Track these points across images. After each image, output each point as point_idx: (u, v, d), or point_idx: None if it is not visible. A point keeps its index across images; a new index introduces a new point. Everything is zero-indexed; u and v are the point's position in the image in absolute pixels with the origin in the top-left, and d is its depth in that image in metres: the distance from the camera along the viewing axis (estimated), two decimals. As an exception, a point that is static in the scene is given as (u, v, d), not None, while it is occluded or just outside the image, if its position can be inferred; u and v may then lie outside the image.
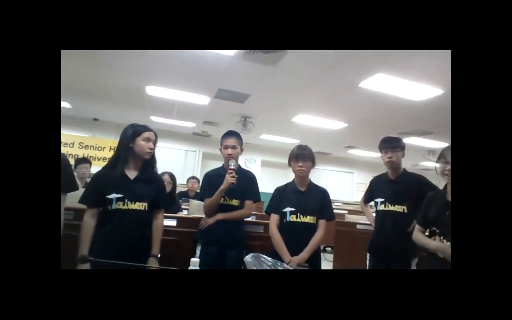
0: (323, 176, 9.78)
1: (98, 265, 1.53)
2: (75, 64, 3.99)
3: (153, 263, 1.72)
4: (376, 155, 9.14)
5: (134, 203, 1.71)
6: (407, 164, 10.66)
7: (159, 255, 1.77)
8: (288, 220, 2.02)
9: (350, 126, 5.90)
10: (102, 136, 7.51)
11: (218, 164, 2.38)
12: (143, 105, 5.68)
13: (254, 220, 2.68)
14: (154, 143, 1.80)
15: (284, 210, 2.04)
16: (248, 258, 1.50)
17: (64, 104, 6.33)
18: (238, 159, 2.22)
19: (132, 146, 1.74)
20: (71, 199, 1.77)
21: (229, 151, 2.16)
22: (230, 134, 2.23)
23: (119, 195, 1.68)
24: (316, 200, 2.05)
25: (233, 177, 2.05)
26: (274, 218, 2.07)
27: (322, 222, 2.03)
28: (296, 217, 2.01)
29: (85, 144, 7.09)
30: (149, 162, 1.81)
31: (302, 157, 2.06)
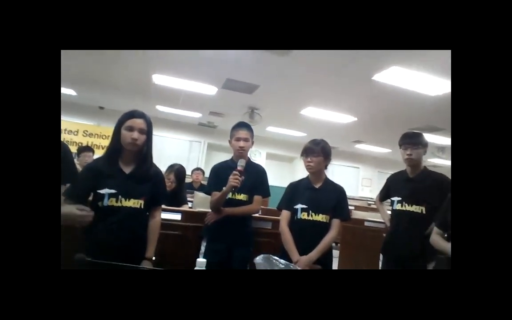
0: (329, 170, 9.62)
1: (94, 265, 1.42)
2: (81, 53, 3.88)
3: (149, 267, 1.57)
4: (383, 150, 9.04)
5: (129, 200, 1.55)
6: (415, 160, 10.56)
7: (153, 258, 1.61)
8: (299, 217, 1.92)
9: (360, 120, 5.75)
10: (108, 125, 7.43)
11: (223, 155, 2.28)
12: (149, 93, 5.58)
13: (261, 215, 2.57)
14: (147, 132, 1.58)
15: (296, 206, 1.94)
16: (258, 259, 1.39)
17: (69, 92, 6.25)
18: (254, 147, 2.12)
19: (119, 137, 1.56)
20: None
21: (241, 143, 2.05)
22: (242, 125, 2.11)
23: (112, 191, 1.52)
24: (331, 198, 1.94)
25: (236, 179, 1.89)
26: (285, 214, 1.97)
27: (335, 222, 1.92)
28: (308, 215, 1.91)
29: (89, 132, 7.02)
30: (143, 155, 1.60)
31: (311, 151, 1.95)
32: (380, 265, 2.30)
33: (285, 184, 2.17)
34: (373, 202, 7.58)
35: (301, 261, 1.79)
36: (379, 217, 4.66)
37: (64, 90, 6.06)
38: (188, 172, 5.39)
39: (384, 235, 3.39)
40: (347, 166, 10.29)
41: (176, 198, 2.74)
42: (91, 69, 4.66)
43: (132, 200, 1.55)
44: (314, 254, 1.82)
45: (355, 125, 6.07)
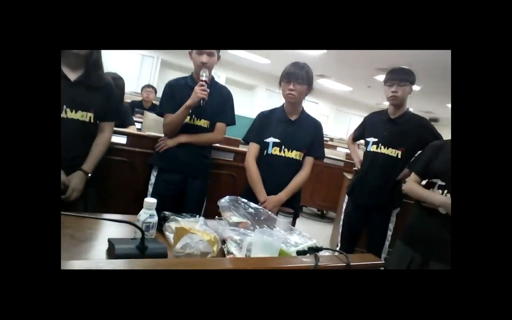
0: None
1: None
2: None
3: (77, 178, 1.35)
4: (345, 88, 8.98)
5: (76, 112, 1.36)
6: (372, 101, 10.67)
7: (89, 175, 1.41)
8: (269, 152, 1.67)
9: (329, 53, 5.45)
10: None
11: (179, 75, 1.88)
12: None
13: (221, 145, 2.26)
14: None
15: (267, 140, 1.67)
16: (223, 202, 1.14)
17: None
18: (212, 70, 1.74)
19: None
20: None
21: (204, 58, 1.65)
22: None
23: None
24: (307, 134, 1.69)
25: (204, 90, 1.60)
26: (253, 148, 1.70)
27: (308, 160, 1.70)
28: (280, 151, 1.66)
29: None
30: (94, 61, 1.38)
31: (294, 77, 1.63)
32: (344, 206, 2.19)
33: (244, 113, 1.86)
34: (329, 139, 7.64)
35: (270, 202, 1.58)
36: (337, 155, 4.67)
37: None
38: (138, 90, 4.81)
39: (345, 174, 3.35)
40: (305, 100, 10.16)
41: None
42: None
43: (79, 112, 1.37)
44: (283, 194, 1.62)
45: (323, 57, 5.76)
